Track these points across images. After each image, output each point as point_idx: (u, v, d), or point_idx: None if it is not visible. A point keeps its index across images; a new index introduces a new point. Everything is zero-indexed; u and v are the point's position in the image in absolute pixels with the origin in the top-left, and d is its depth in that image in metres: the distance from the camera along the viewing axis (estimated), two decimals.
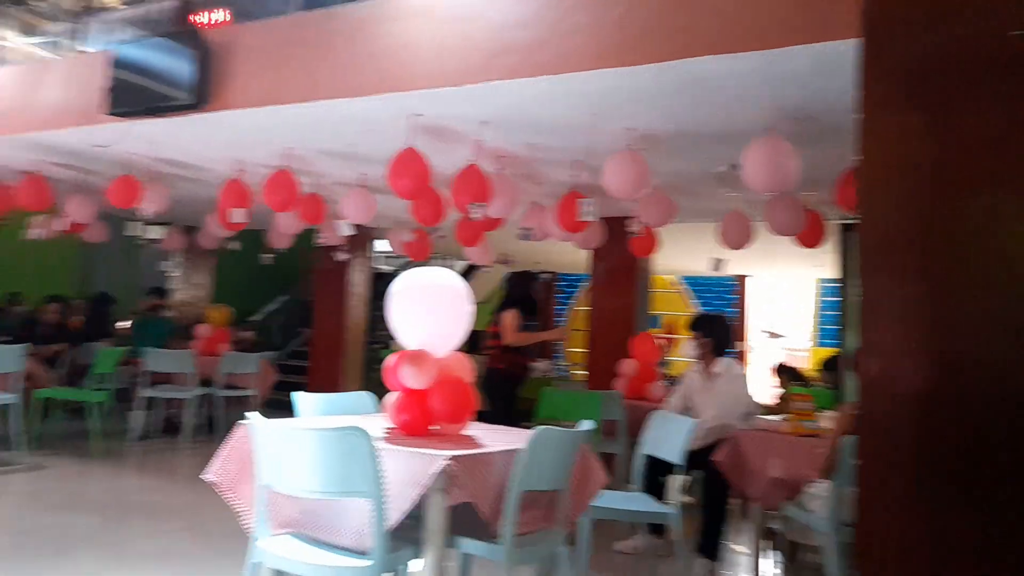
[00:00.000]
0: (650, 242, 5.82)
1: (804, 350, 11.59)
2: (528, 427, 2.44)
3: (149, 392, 6.70)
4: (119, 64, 4.96)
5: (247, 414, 2.29)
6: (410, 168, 4.37)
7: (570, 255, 7.54)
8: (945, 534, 1.25)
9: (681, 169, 5.08)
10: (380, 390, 2.57)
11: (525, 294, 5.50)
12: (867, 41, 1.40)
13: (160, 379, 6.87)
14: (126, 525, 4.08)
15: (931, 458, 1.27)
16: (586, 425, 2.59)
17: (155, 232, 8.91)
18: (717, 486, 3.70)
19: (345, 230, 6.03)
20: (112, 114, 4.97)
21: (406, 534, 2.22)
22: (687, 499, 3.76)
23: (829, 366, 4.91)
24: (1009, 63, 1.27)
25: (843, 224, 6.09)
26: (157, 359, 6.72)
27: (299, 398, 2.89)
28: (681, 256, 9.31)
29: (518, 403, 5.20)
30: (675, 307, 12.03)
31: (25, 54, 7.11)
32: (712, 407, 4.09)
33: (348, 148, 5.21)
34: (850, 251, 6.26)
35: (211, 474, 2.42)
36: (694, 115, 4.00)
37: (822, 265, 8.74)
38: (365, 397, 3.10)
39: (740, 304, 12.22)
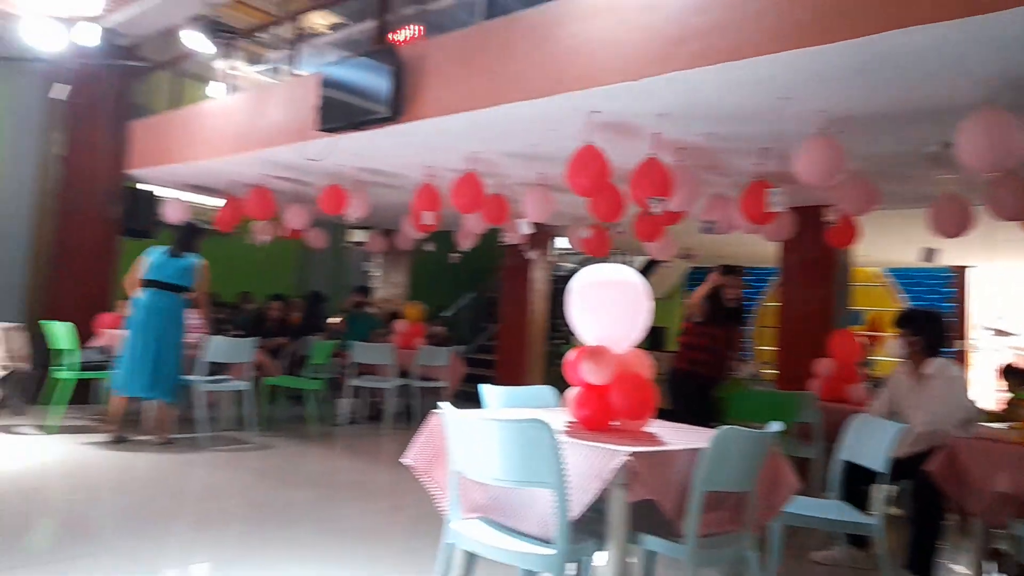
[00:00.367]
0: (849, 232, 5.39)
1: None
2: (714, 428, 2.38)
3: (356, 381, 7.35)
4: (327, 84, 5.48)
5: (440, 404, 2.45)
6: (588, 165, 4.41)
7: (758, 248, 7.19)
8: None
9: (883, 151, 4.66)
10: (562, 384, 2.63)
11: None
12: None
13: (365, 370, 7.51)
14: (336, 502, 4.52)
15: None
16: (775, 427, 2.48)
17: (359, 235, 9.74)
18: (930, 498, 3.37)
19: (525, 229, 6.21)
20: (322, 130, 5.51)
21: (590, 527, 2.27)
22: (893, 510, 3.45)
23: None
24: None
25: None
26: (362, 351, 7.35)
27: (486, 390, 3.04)
28: (887, 247, 8.52)
29: (706, 403, 5.02)
30: (880, 302, 11.02)
31: (252, 81, 8.08)
32: (923, 411, 3.72)
33: (529, 149, 5.36)
34: None
35: (409, 458, 2.62)
36: (895, 92, 3.66)
37: None
38: (547, 391, 3.19)
39: (959, 298, 10.94)
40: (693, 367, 5.09)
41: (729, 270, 5.12)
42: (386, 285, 11.02)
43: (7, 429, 5.75)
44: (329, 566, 3.32)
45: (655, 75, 3.75)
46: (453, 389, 7.95)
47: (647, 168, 4.40)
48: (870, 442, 3.20)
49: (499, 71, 4.48)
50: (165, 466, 5.05)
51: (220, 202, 7.83)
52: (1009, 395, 5.52)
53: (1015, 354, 9.55)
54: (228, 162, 6.75)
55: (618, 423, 2.58)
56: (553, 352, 9.89)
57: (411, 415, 7.55)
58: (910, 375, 3.90)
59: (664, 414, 2.82)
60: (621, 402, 2.52)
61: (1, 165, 8.02)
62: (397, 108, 5.00)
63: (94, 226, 7.56)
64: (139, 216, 7.84)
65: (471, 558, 2.49)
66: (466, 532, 2.37)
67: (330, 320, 9.21)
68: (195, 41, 6.93)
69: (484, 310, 12.06)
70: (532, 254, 9.09)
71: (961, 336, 10.59)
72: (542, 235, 9.05)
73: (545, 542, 2.25)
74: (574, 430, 2.48)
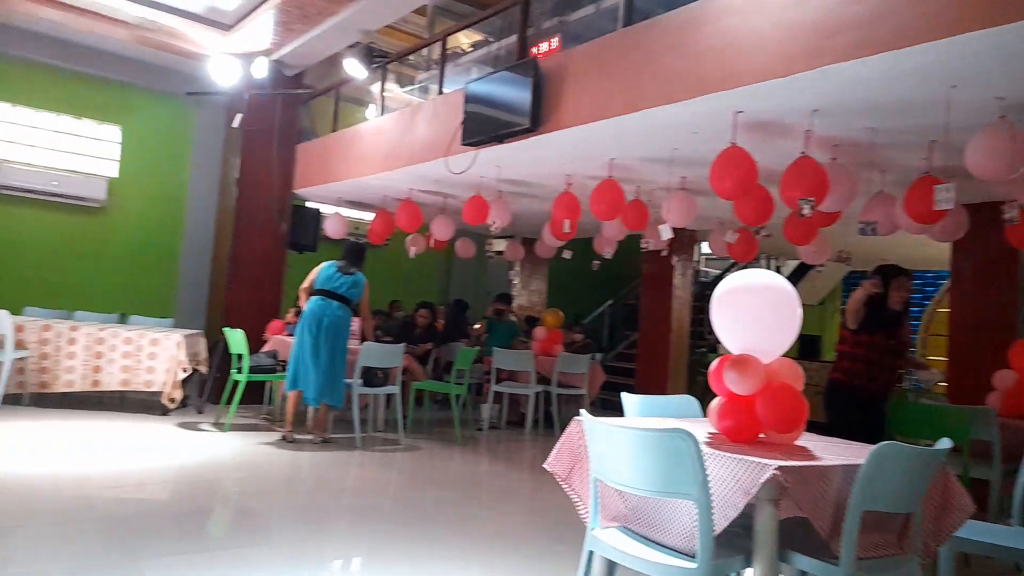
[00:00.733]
0: None
1: None
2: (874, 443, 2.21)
3: (497, 387, 7.52)
4: (470, 99, 5.68)
5: (580, 411, 2.46)
6: (733, 167, 4.26)
7: (923, 249, 6.60)
8: None
9: None
10: (706, 394, 2.56)
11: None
12: None
13: (506, 376, 7.67)
14: (480, 504, 4.65)
15: None
16: (945, 444, 2.27)
17: (500, 244, 9.97)
18: None
19: (665, 234, 6.08)
20: (465, 144, 5.72)
21: (737, 542, 2.18)
22: None
23: None
24: None
25: None
26: (503, 358, 7.51)
27: (626, 399, 3.01)
28: None
29: (865, 417, 4.65)
30: None
31: (403, 101, 8.53)
32: None
33: (670, 153, 5.26)
34: None
35: (550, 464, 2.65)
36: None
37: None
38: (689, 401, 3.11)
39: None
40: (849, 378, 4.75)
41: (895, 272, 4.73)
42: (526, 292, 11.20)
43: (190, 426, 6.41)
44: (472, 567, 3.41)
45: (805, 70, 3.56)
46: (593, 396, 7.92)
47: (798, 167, 4.19)
48: None
49: (638, 76, 4.44)
50: (324, 463, 5.42)
51: (372, 216, 8.32)
52: None
53: None
54: (380, 178, 7.16)
55: (765, 436, 2.46)
56: (697, 361, 9.60)
57: (551, 421, 7.61)
58: None
59: (818, 428, 2.66)
60: (769, 413, 2.41)
61: (191, 188, 9.00)
62: (537, 119, 5.09)
63: (265, 241, 8.27)
64: (304, 231, 8.50)
65: (611, 567, 2.47)
66: (607, 540, 2.35)
67: (473, 327, 9.49)
68: (352, 67, 7.42)
69: (624, 317, 11.93)
70: (674, 260, 8.89)
71: None
72: (684, 240, 8.83)
73: (688, 556, 2.19)
74: (718, 441, 2.41)
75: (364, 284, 6.17)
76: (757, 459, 2.08)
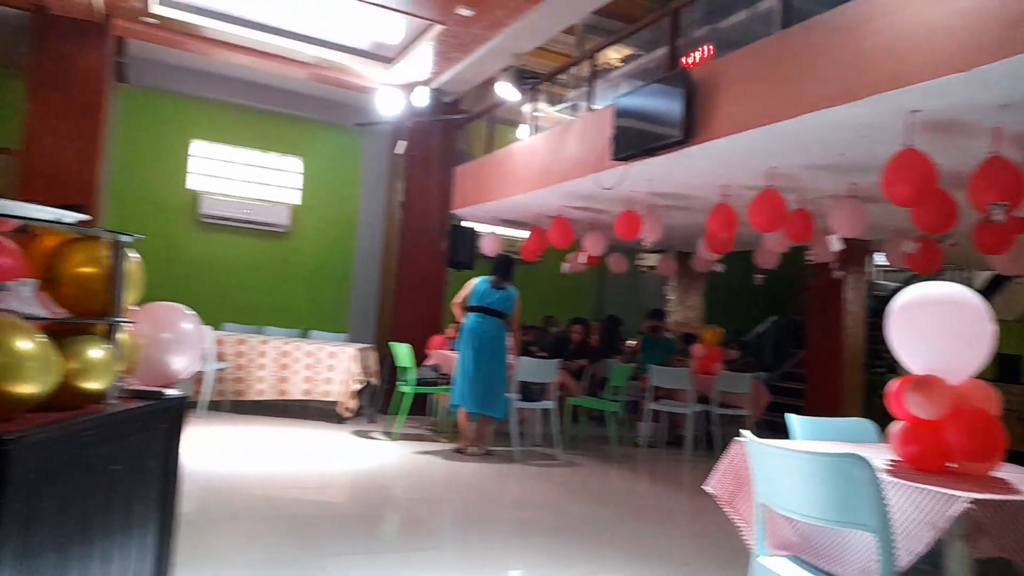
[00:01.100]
0: None
1: None
2: None
3: (654, 405, 7.39)
4: (620, 114, 5.68)
5: (742, 432, 2.38)
6: (910, 171, 3.95)
7: None
8: None
9: None
10: (884, 418, 2.38)
11: None
12: None
13: (663, 394, 7.52)
14: (637, 523, 4.58)
15: None
16: None
17: (653, 259, 9.83)
18: None
19: (835, 245, 5.72)
20: (616, 159, 5.72)
21: None
22: None
23: None
24: None
25: None
26: (660, 375, 7.37)
27: (793, 420, 2.86)
28: None
29: None
30: None
31: (554, 120, 8.68)
32: None
33: (836, 159, 4.97)
34: None
35: (711, 486, 2.58)
36: None
37: None
38: (865, 424, 2.90)
39: None
40: None
41: None
42: (681, 308, 10.93)
43: (363, 434, 6.85)
44: None
45: (990, 62, 3.24)
46: (756, 417, 7.57)
47: (988, 168, 3.80)
48: None
49: (799, 79, 4.24)
50: (485, 475, 5.59)
51: (526, 234, 8.51)
52: None
53: None
54: (532, 196, 7.32)
55: (956, 465, 2.25)
56: (874, 382, 8.90)
57: (712, 442, 7.36)
58: None
59: (1019, 458, 2.39)
60: (960, 440, 2.21)
61: (361, 212, 9.69)
62: (689, 130, 5.00)
63: (427, 260, 8.71)
64: (462, 250, 8.86)
65: None
66: (775, 569, 2.25)
67: (627, 343, 9.40)
68: (505, 90, 7.68)
69: (789, 334, 11.31)
70: (844, 273, 8.33)
71: None
72: (856, 251, 8.24)
73: None
74: (899, 469, 2.23)
75: (516, 298, 6.32)
76: (946, 490, 1.91)
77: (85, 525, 1.76)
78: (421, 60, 7.66)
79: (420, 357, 7.46)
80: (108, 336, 1.97)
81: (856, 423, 2.92)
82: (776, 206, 5.26)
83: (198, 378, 6.86)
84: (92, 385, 1.83)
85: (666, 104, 5.19)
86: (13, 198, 1.98)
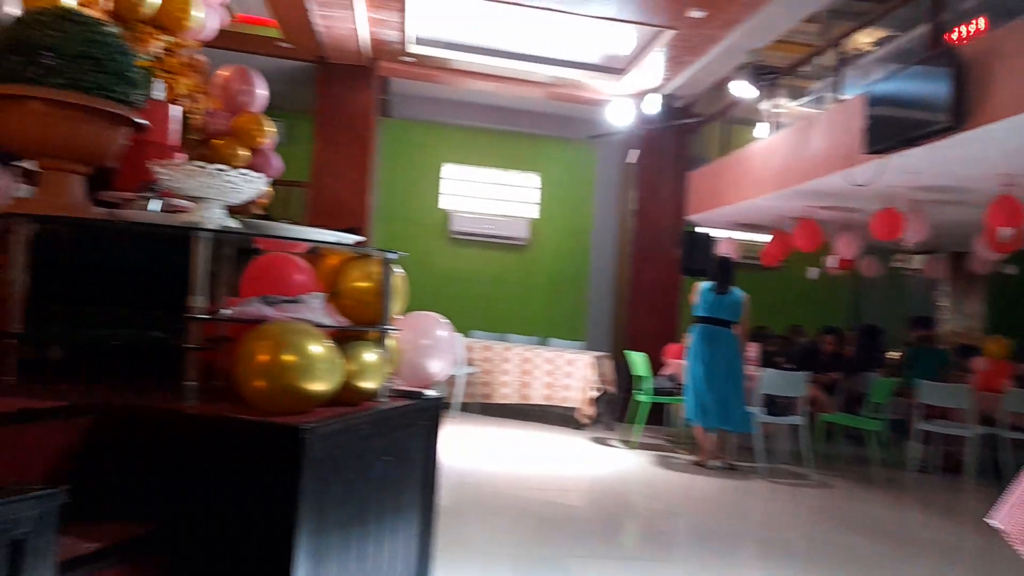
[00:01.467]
0: None
1: None
2: None
3: (924, 425, 6.56)
4: (874, 103, 5.18)
5: None
6: None
7: None
8: None
9: None
10: None
11: None
12: None
13: (935, 413, 6.65)
14: (904, 558, 4.11)
15: None
16: None
17: (917, 261, 8.78)
18: None
19: None
20: (870, 152, 5.21)
21: None
22: None
23: None
24: None
25: None
26: (931, 392, 6.53)
27: None
28: None
29: None
30: None
31: (795, 115, 8.16)
32: None
33: None
34: None
35: (997, 520, 2.25)
36: None
37: None
38: None
39: None
40: None
41: None
42: (957, 316, 9.59)
43: (601, 441, 6.95)
44: None
45: None
46: None
47: None
48: None
49: None
50: (726, 490, 5.38)
51: (766, 238, 8.06)
52: None
53: None
54: (773, 198, 6.93)
55: None
56: None
57: (999, 470, 6.36)
58: None
59: None
60: None
61: (595, 222, 9.90)
62: (960, 114, 4.40)
63: (660, 267, 8.63)
64: (696, 256, 8.65)
65: None
66: None
67: (888, 355, 8.47)
68: (741, 88, 7.38)
69: None
70: None
71: None
72: None
73: None
74: None
75: (744, 302, 5.98)
76: None
77: (363, 509, 2.01)
78: (652, 67, 7.64)
79: (656, 366, 7.40)
80: (379, 342, 2.24)
81: None
82: None
83: (451, 381, 7.46)
84: (367, 385, 2.09)
85: (930, 87, 4.63)
86: (305, 225, 2.34)
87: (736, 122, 8.67)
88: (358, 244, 2.31)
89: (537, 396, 7.53)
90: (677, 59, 7.38)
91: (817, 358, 8.10)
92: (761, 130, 7.96)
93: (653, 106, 8.10)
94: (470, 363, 7.67)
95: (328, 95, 7.87)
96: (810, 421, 6.38)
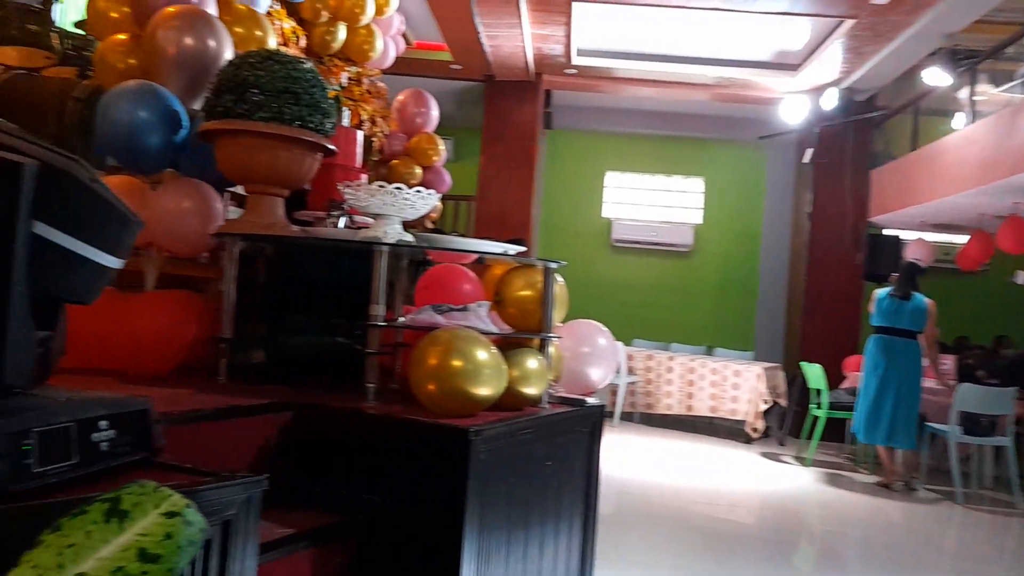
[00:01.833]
0: None
1: None
2: None
3: None
4: None
5: None
6: None
7: None
8: None
9: None
10: None
11: None
12: None
13: None
14: None
15: None
16: None
17: None
18: None
19: None
20: None
21: None
22: None
23: None
24: None
25: None
26: None
27: None
28: None
29: None
30: None
31: (999, 103, 7.31)
32: None
33: None
34: None
35: None
36: None
37: None
38: None
39: None
40: None
41: None
42: None
43: (772, 456, 6.62)
44: None
45: None
46: None
47: None
48: None
49: None
50: (916, 515, 4.93)
51: (963, 239, 7.28)
52: None
53: None
54: (972, 194, 6.25)
55: None
56: None
57: None
58: None
59: None
60: None
61: (765, 227, 9.47)
62: None
63: (839, 273, 8.07)
64: (881, 261, 8.00)
65: None
66: None
67: None
68: (934, 76, 6.73)
69: None
70: None
71: None
72: None
73: None
74: None
75: (927, 310, 5.45)
76: None
77: (525, 511, 2.08)
78: (830, 61, 7.18)
79: (834, 378, 6.92)
80: (541, 349, 2.31)
81: None
82: None
83: (612, 390, 7.44)
84: (529, 390, 2.16)
85: None
86: (472, 236, 2.47)
87: (927, 113, 7.92)
88: (521, 254, 2.40)
89: (702, 407, 7.31)
90: (858, 50, 6.88)
91: None
92: (958, 120, 7.22)
93: (831, 101, 7.61)
94: (632, 372, 7.60)
95: (494, 111, 8.18)
96: (1017, 443, 5.66)
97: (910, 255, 7.66)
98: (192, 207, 2.35)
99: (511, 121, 8.14)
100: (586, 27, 6.93)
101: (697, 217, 9.66)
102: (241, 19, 2.86)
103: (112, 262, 1.18)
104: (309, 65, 2.32)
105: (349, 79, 3.92)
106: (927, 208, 7.05)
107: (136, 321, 2.15)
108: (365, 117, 3.94)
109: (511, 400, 2.11)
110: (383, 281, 2.04)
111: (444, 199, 6.48)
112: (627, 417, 7.64)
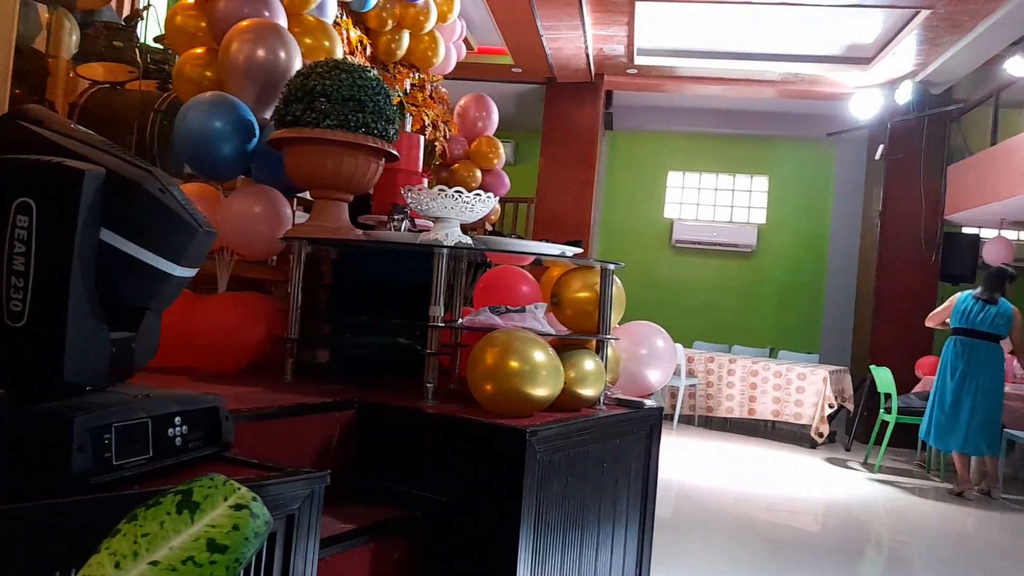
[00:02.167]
0: None
1: None
2: None
3: None
4: None
5: None
6: None
7: None
8: None
9: None
10: None
11: None
12: None
13: None
14: None
15: None
16: None
17: None
18: None
19: None
20: None
21: None
22: None
23: None
24: None
25: None
26: None
27: None
28: None
29: None
30: None
31: None
32: None
33: None
34: None
35: None
36: None
37: None
38: None
39: None
40: None
41: None
42: None
43: (837, 462, 6.42)
44: None
45: None
46: None
47: None
48: None
49: None
50: (994, 526, 4.71)
51: None
52: None
53: None
54: None
55: None
56: None
57: None
58: None
59: None
60: None
61: (832, 226, 9.19)
62: None
63: (912, 273, 7.75)
64: (958, 260, 7.67)
65: None
66: None
67: None
68: (1016, 66, 6.40)
69: None
70: None
71: None
72: None
73: None
74: None
75: (1012, 315, 5.24)
76: None
77: (581, 512, 2.10)
78: (904, 53, 6.92)
79: (904, 382, 6.66)
80: (598, 350, 2.31)
81: None
82: None
83: (672, 392, 7.35)
84: (586, 392, 2.18)
85: None
86: (531, 238, 2.50)
87: (1008, 106, 7.53)
88: (578, 256, 2.41)
89: (765, 411, 7.14)
90: (934, 41, 6.60)
91: None
92: None
93: (905, 95, 7.32)
94: (692, 374, 7.49)
95: (555, 113, 8.18)
96: None
97: (988, 254, 7.31)
98: (262, 212, 2.45)
99: (571, 123, 8.13)
100: (648, 26, 6.86)
101: (760, 217, 9.45)
102: (310, 30, 2.96)
103: (176, 270, 1.22)
104: (374, 73, 2.39)
105: (412, 85, 4.00)
106: (1007, 205, 6.71)
107: (209, 322, 2.25)
108: (427, 122, 4.01)
109: (568, 401, 2.12)
110: (442, 283, 2.09)
111: (503, 201, 6.53)
112: (687, 420, 7.54)
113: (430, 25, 4.09)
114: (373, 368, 2.51)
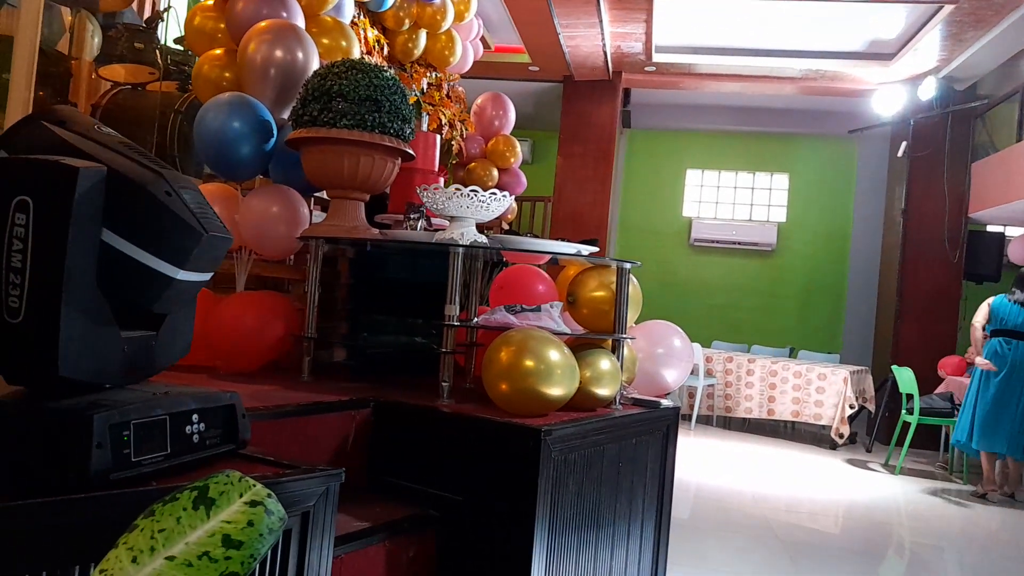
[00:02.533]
0: None
1: None
2: None
3: None
4: None
5: None
6: None
7: None
8: None
9: None
10: None
11: None
12: None
13: None
14: None
15: None
16: None
17: None
18: None
19: None
20: None
21: None
22: None
23: None
24: None
25: None
26: None
27: None
28: None
29: None
30: None
31: None
32: None
33: None
34: None
35: None
36: None
37: None
38: None
39: None
40: None
41: None
42: None
43: (858, 463, 6.34)
44: None
45: None
46: None
47: None
48: None
49: None
50: (1014, 526, 4.63)
51: None
52: None
53: None
54: None
55: None
56: None
57: None
58: None
59: None
60: None
61: (855, 224, 9.08)
62: None
63: (935, 272, 7.64)
64: (983, 259, 7.55)
65: None
66: None
67: None
68: None
69: None
70: None
71: None
72: None
73: None
74: None
75: None
76: None
77: (596, 512, 2.09)
78: (927, 49, 6.82)
79: (927, 382, 6.57)
80: (614, 350, 2.30)
81: None
82: None
83: (690, 392, 7.31)
84: (602, 391, 2.17)
85: None
86: (548, 237, 2.50)
87: None
88: (594, 255, 2.40)
89: (784, 411, 7.08)
90: (958, 36, 6.50)
91: None
92: None
93: (928, 91, 7.22)
94: (710, 374, 7.44)
95: (572, 112, 8.15)
96: None
97: (1014, 253, 7.20)
98: (280, 212, 2.47)
99: (589, 121, 8.10)
100: (666, 23, 6.82)
101: (781, 215, 9.36)
102: (327, 30, 2.97)
103: (180, 274, 1.20)
104: (390, 73, 2.40)
105: (429, 84, 4.01)
106: None
107: (227, 320, 2.28)
108: (444, 121, 4.02)
109: (583, 400, 2.12)
110: (458, 282, 2.09)
111: (520, 200, 6.53)
112: (705, 420, 7.49)
113: (447, 24, 4.10)
114: (390, 367, 2.53)
